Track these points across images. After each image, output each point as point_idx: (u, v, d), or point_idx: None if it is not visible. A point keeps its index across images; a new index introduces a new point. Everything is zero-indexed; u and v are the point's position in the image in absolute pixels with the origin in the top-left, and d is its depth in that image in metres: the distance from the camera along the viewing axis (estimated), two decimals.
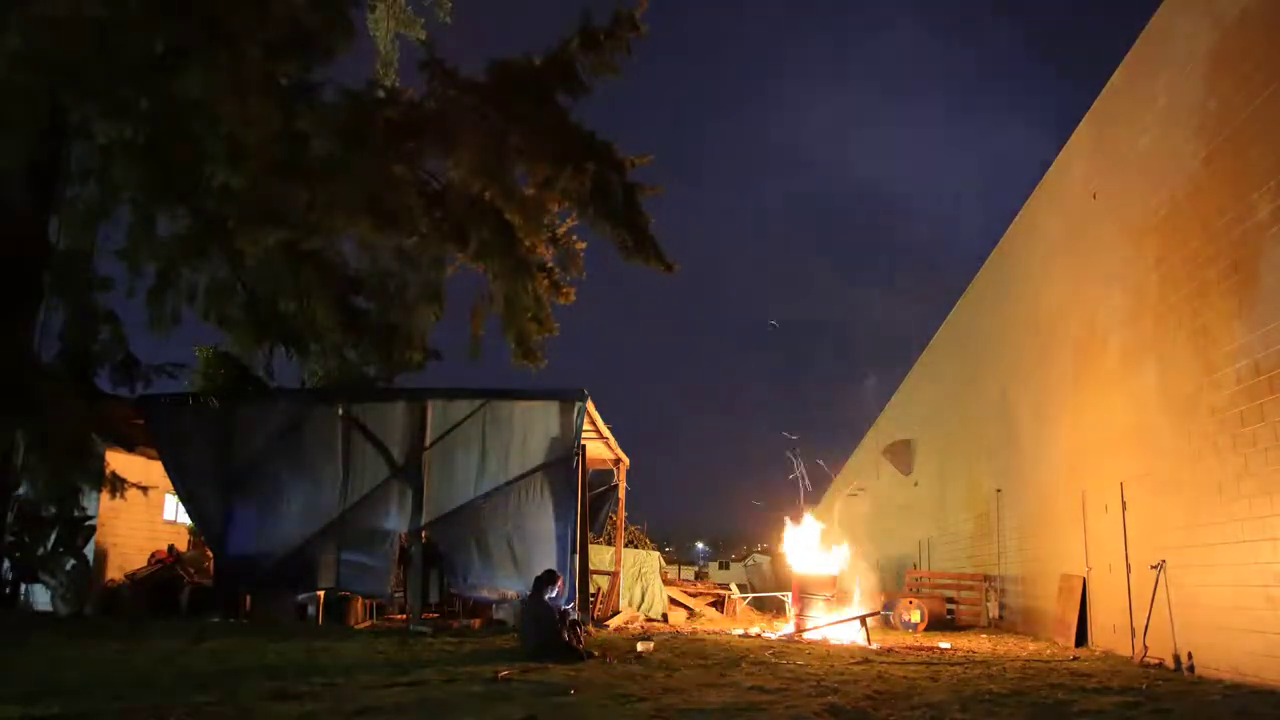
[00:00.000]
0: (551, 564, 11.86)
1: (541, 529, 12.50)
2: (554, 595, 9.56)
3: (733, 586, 22.36)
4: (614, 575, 16.13)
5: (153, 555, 14.74)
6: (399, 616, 13.25)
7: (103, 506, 14.04)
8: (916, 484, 23.57)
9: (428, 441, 12.90)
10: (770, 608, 21.69)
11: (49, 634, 10.23)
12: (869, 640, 11.86)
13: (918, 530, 22.71)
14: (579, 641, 9.07)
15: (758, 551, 39.34)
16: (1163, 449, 9.49)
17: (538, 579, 9.62)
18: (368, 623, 12.79)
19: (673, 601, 17.26)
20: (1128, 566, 10.19)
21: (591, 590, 14.77)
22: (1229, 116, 8.35)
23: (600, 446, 15.68)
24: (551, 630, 8.96)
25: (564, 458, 12.63)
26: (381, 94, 14.47)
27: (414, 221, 13.88)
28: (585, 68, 14.29)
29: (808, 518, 15.45)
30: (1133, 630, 9.79)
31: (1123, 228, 10.69)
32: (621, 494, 17.60)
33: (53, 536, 13.29)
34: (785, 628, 13.94)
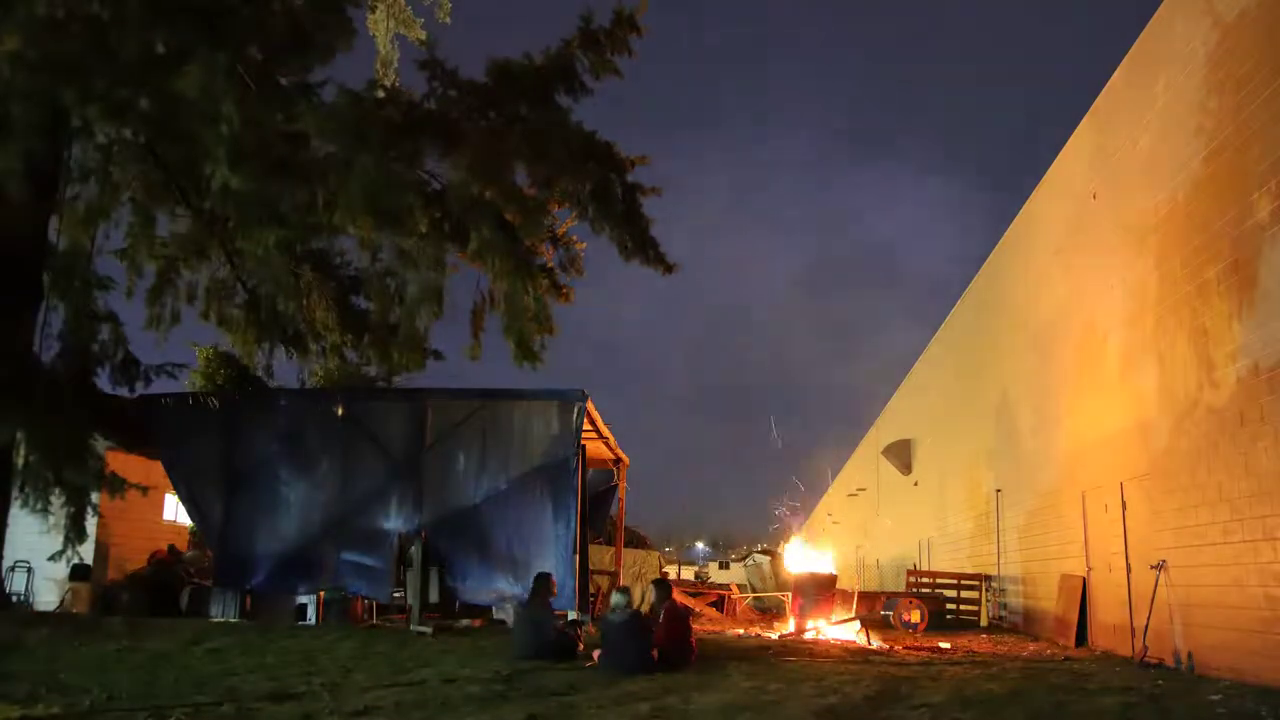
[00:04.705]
0: (551, 564, 11.86)
1: (541, 529, 12.49)
2: (552, 598, 9.59)
3: (733, 587, 22.36)
4: (614, 575, 16.12)
5: (153, 555, 14.72)
6: (399, 616, 13.24)
7: (103, 506, 14.03)
8: (916, 484, 23.57)
9: (427, 442, 12.90)
10: (770, 608, 21.69)
11: (49, 634, 10.22)
12: (869, 640, 11.85)
13: (918, 530, 22.70)
14: (578, 640, 9.09)
15: (758, 552, 39.33)
16: (1163, 449, 9.49)
17: (534, 583, 9.63)
18: (368, 623, 12.78)
19: None
20: (1128, 566, 10.19)
21: (591, 590, 14.76)
22: (1229, 116, 8.35)
23: (600, 446, 15.67)
24: (548, 630, 8.97)
25: (564, 458, 12.62)
26: (381, 94, 14.45)
27: (414, 221, 13.86)
28: (586, 68, 14.29)
29: (799, 533, 15.52)
30: (1133, 630, 9.79)
31: (1123, 228, 10.69)
32: (622, 493, 17.59)
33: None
34: (785, 628, 13.93)
